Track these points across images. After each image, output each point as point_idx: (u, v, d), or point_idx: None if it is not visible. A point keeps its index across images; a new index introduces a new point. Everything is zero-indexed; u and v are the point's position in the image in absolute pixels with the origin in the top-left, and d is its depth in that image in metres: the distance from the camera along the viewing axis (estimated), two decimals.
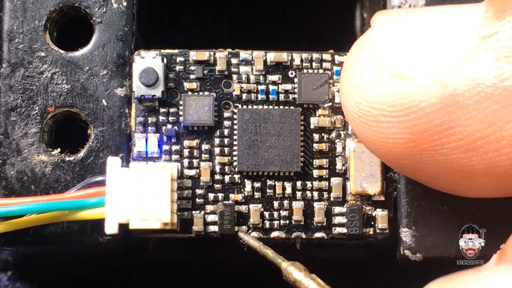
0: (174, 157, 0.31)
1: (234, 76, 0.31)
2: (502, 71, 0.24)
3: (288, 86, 0.31)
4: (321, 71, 0.31)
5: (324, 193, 0.31)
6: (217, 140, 0.31)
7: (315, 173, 0.31)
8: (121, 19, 0.31)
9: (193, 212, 0.31)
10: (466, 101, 0.24)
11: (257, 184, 0.31)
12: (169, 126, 0.31)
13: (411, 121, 0.25)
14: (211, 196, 0.31)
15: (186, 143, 0.31)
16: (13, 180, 0.30)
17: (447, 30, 0.25)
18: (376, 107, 0.26)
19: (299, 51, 0.32)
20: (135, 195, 0.29)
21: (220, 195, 0.31)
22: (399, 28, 0.26)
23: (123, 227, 0.29)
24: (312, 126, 0.31)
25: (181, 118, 0.31)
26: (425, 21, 0.26)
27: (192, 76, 0.31)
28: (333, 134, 0.31)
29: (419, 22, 0.26)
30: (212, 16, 0.44)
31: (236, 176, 0.31)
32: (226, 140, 0.31)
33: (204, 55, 0.31)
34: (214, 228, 0.31)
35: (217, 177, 0.31)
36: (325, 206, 0.31)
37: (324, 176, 0.31)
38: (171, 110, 0.31)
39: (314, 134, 0.31)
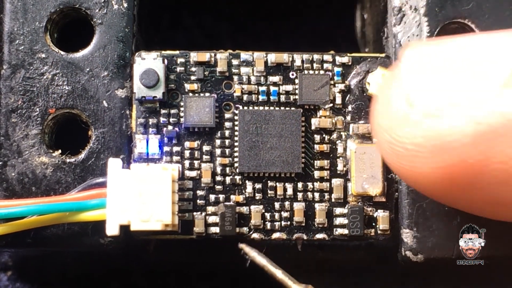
0: (175, 158, 0.31)
1: (235, 77, 0.31)
2: None
3: (289, 87, 0.31)
4: (322, 72, 0.31)
5: (325, 194, 0.31)
6: (218, 141, 0.31)
7: (316, 174, 0.31)
8: (122, 20, 0.31)
9: (194, 213, 0.31)
10: (500, 138, 0.23)
11: (258, 185, 0.31)
12: (170, 127, 0.31)
13: (444, 162, 0.24)
14: (212, 197, 0.31)
15: (187, 144, 0.31)
16: (14, 182, 0.30)
17: (478, 63, 0.24)
18: (408, 148, 0.25)
19: (299, 51, 0.31)
20: (136, 196, 0.29)
21: (221, 197, 0.31)
22: (428, 62, 0.25)
23: (124, 228, 0.29)
24: (313, 127, 0.31)
25: (182, 119, 0.31)
26: (455, 53, 0.25)
27: (193, 77, 0.31)
28: (334, 135, 0.31)
29: (449, 55, 0.25)
30: (212, 16, 0.44)
31: (237, 177, 0.31)
32: (227, 141, 0.31)
33: (205, 56, 0.31)
34: (215, 230, 0.31)
35: (218, 178, 0.31)
36: (326, 207, 0.31)
37: (325, 177, 0.31)
38: (172, 111, 0.31)
39: (315, 135, 0.31)
